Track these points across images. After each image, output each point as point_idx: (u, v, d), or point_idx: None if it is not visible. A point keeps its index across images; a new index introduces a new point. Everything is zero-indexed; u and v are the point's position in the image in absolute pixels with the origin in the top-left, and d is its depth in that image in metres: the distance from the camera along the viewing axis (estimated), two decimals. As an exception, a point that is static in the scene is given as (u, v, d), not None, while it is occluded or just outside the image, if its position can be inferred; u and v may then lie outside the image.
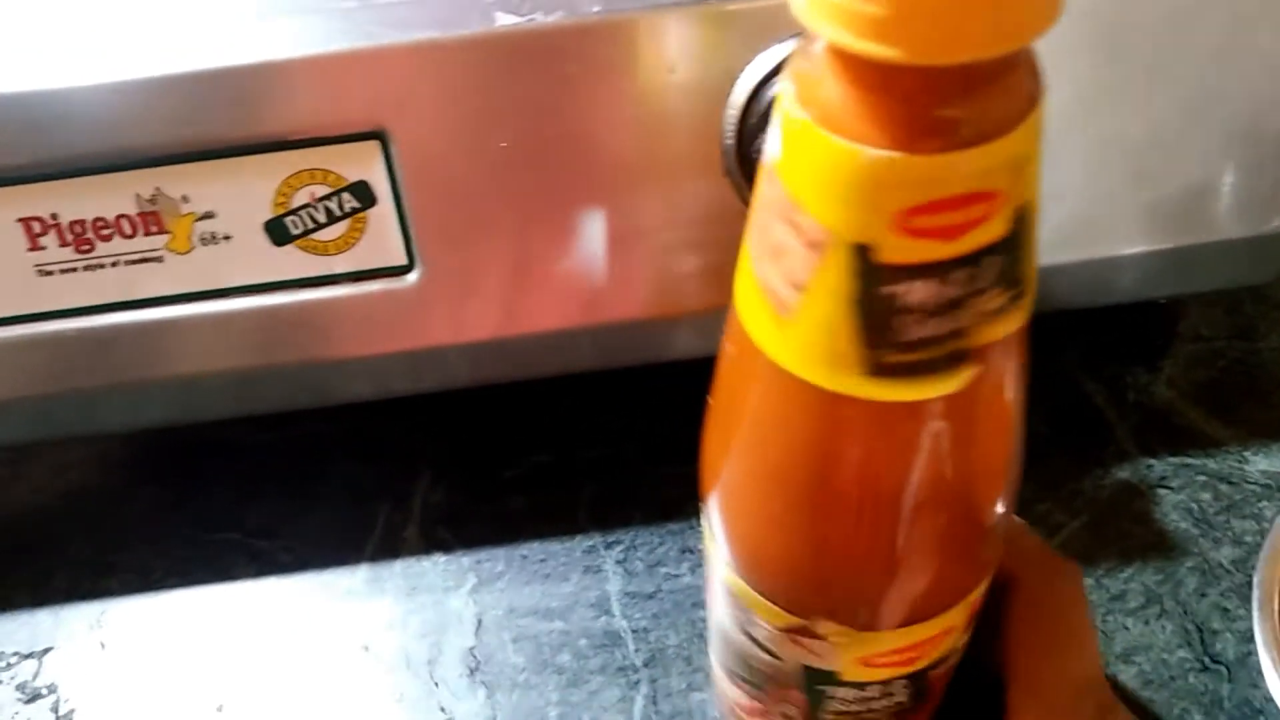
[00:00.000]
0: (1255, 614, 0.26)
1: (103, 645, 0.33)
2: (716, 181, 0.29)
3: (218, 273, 0.29)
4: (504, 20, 0.27)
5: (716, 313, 0.32)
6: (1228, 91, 0.30)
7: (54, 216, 0.28)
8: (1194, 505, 0.32)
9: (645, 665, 0.31)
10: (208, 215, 0.29)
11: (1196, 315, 0.37)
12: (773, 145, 0.16)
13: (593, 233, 0.30)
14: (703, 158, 0.29)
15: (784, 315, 0.16)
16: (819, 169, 0.14)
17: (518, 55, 0.28)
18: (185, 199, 0.28)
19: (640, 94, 0.28)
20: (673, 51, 0.28)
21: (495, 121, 0.28)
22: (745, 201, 0.29)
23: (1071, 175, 0.31)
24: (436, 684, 0.31)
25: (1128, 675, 0.29)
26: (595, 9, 0.27)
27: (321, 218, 0.29)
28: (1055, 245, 0.31)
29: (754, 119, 0.27)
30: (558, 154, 0.29)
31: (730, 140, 0.28)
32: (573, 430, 0.36)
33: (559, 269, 0.30)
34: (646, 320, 0.32)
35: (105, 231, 0.29)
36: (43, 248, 0.29)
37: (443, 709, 0.30)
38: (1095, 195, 0.31)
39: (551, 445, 0.36)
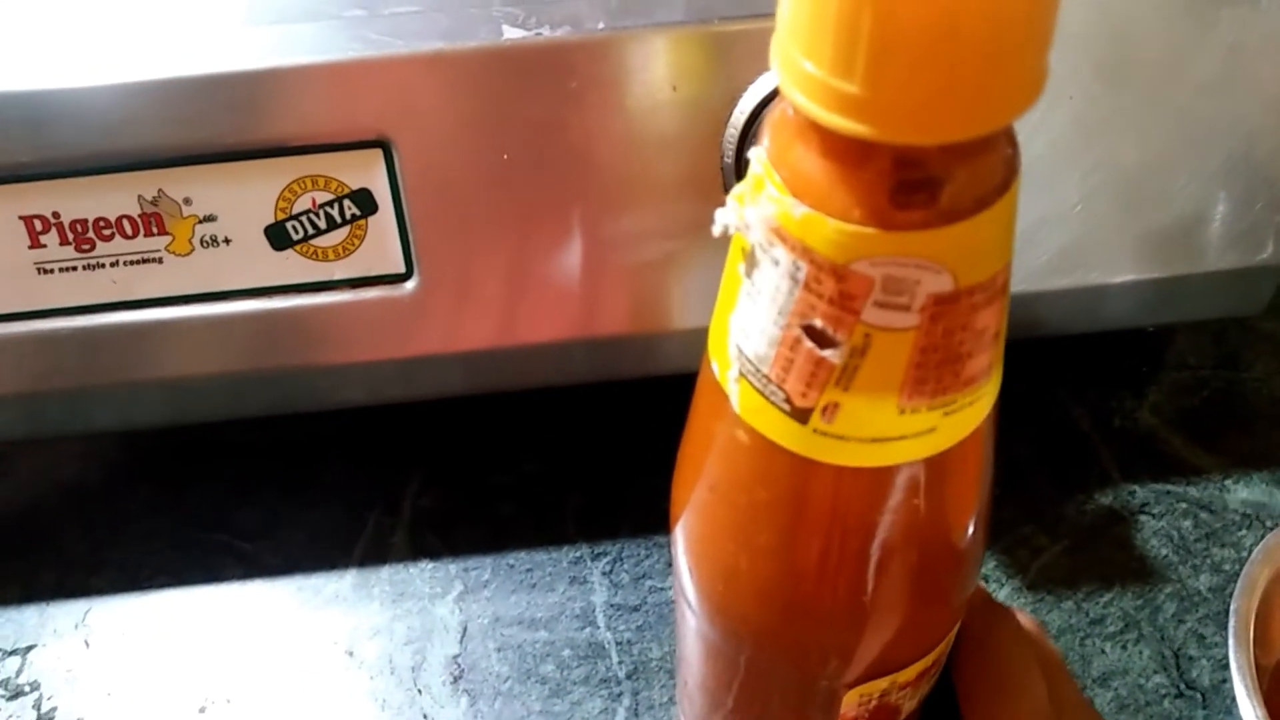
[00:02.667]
0: (1231, 643, 0.27)
1: (87, 644, 0.33)
2: (715, 200, 0.29)
3: (217, 275, 0.30)
4: (510, 34, 0.28)
5: (707, 331, 0.32)
6: (1221, 124, 0.31)
7: (55, 215, 0.28)
8: (1174, 532, 0.33)
9: (628, 677, 0.31)
10: (209, 218, 0.29)
11: (1183, 344, 0.37)
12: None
13: (590, 247, 0.30)
14: (702, 176, 0.29)
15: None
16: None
17: (523, 69, 0.28)
18: (188, 201, 0.29)
19: (642, 111, 0.29)
20: (675, 70, 0.28)
21: (498, 134, 0.28)
22: (742, 221, 0.29)
23: (1064, 203, 0.31)
24: (420, 691, 0.31)
25: (1104, 699, 0.30)
26: (600, 25, 0.28)
27: (322, 224, 0.29)
28: (1046, 272, 0.32)
29: (754, 139, 0.28)
30: (558, 168, 0.29)
31: (730, 159, 0.28)
32: (563, 440, 0.37)
33: (555, 282, 0.30)
34: (640, 335, 0.32)
35: (106, 231, 0.29)
36: (43, 246, 0.29)
37: (425, 716, 0.30)
38: (1087, 223, 0.31)
39: (542, 454, 0.36)
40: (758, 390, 0.16)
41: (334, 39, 0.28)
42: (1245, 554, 0.32)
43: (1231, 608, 0.27)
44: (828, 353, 0.15)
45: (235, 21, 0.28)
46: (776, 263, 0.15)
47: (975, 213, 0.14)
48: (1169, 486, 0.34)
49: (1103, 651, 0.31)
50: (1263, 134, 0.31)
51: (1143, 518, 0.33)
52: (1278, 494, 0.34)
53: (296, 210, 0.29)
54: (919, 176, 0.13)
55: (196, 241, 0.29)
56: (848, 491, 0.17)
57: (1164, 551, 0.32)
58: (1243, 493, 0.34)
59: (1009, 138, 0.14)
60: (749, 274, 0.16)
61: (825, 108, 0.13)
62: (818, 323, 0.15)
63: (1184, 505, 0.33)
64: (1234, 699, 0.27)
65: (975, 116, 0.13)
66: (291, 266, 0.30)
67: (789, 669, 0.21)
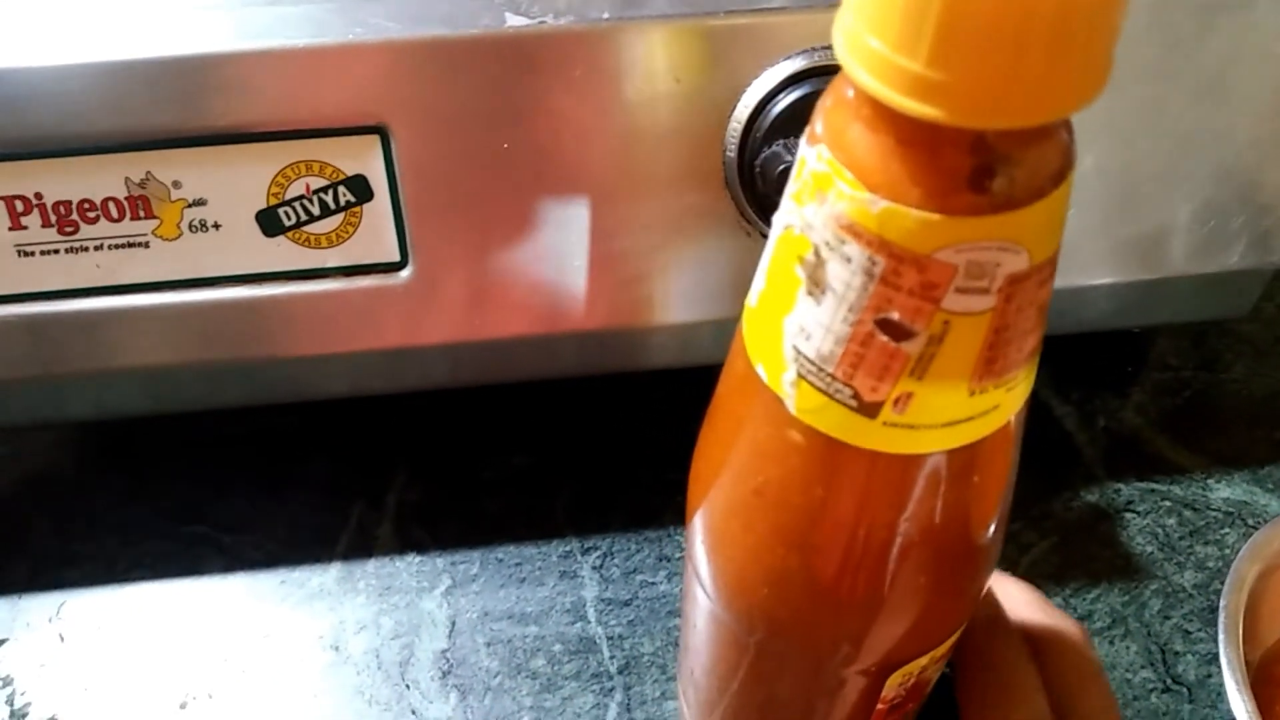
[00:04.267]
0: (1221, 639, 0.27)
1: (62, 638, 0.32)
2: (715, 194, 0.29)
3: (205, 261, 0.29)
4: (513, 21, 0.27)
5: (700, 326, 0.32)
6: (1212, 131, 0.31)
7: (38, 196, 0.28)
8: (1159, 530, 0.33)
9: (620, 672, 0.31)
10: (199, 202, 0.28)
11: (1164, 346, 0.38)
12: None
13: (588, 239, 0.30)
14: (703, 169, 0.29)
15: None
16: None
17: (524, 57, 0.28)
18: (177, 184, 0.28)
19: (644, 102, 0.28)
20: (679, 62, 0.28)
21: (498, 123, 0.28)
22: (744, 215, 0.29)
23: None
24: (408, 686, 0.31)
25: (1093, 694, 0.30)
26: (604, 15, 0.28)
27: (316, 210, 0.28)
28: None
29: (758, 133, 0.28)
30: (558, 158, 0.29)
31: (732, 153, 0.28)
32: (553, 433, 0.36)
33: (551, 274, 0.30)
34: (634, 328, 0.32)
35: (91, 214, 0.28)
36: (24, 228, 0.28)
37: (414, 712, 0.30)
38: (1076, 226, 0.32)
39: (531, 447, 0.36)
40: (820, 390, 0.16)
41: (332, 22, 0.28)
42: (1228, 551, 0.33)
43: (1220, 604, 0.28)
44: (904, 344, 0.15)
45: (232, 1, 0.28)
46: (849, 260, 0.15)
47: (1049, 192, 0.14)
48: (1153, 485, 0.34)
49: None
50: (1252, 142, 0.32)
51: (1128, 515, 0.34)
52: (1258, 493, 0.34)
53: (289, 196, 0.28)
54: (994, 161, 0.13)
55: (185, 226, 0.28)
56: (911, 480, 0.17)
57: (1149, 549, 0.33)
58: (1225, 491, 0.34)
59: (1067, 120, 0.15)
60: (811, 274, 0.15)
61: (896, 89, 0.13)
62: (895, 315, 0.15)
63: (1168, 503, 0.34)
64: (1220, 693, 0.27)
65: (1047, 102, 0.13)
66: (283, 253, 0.29)
67: (829, 662, 0.21)
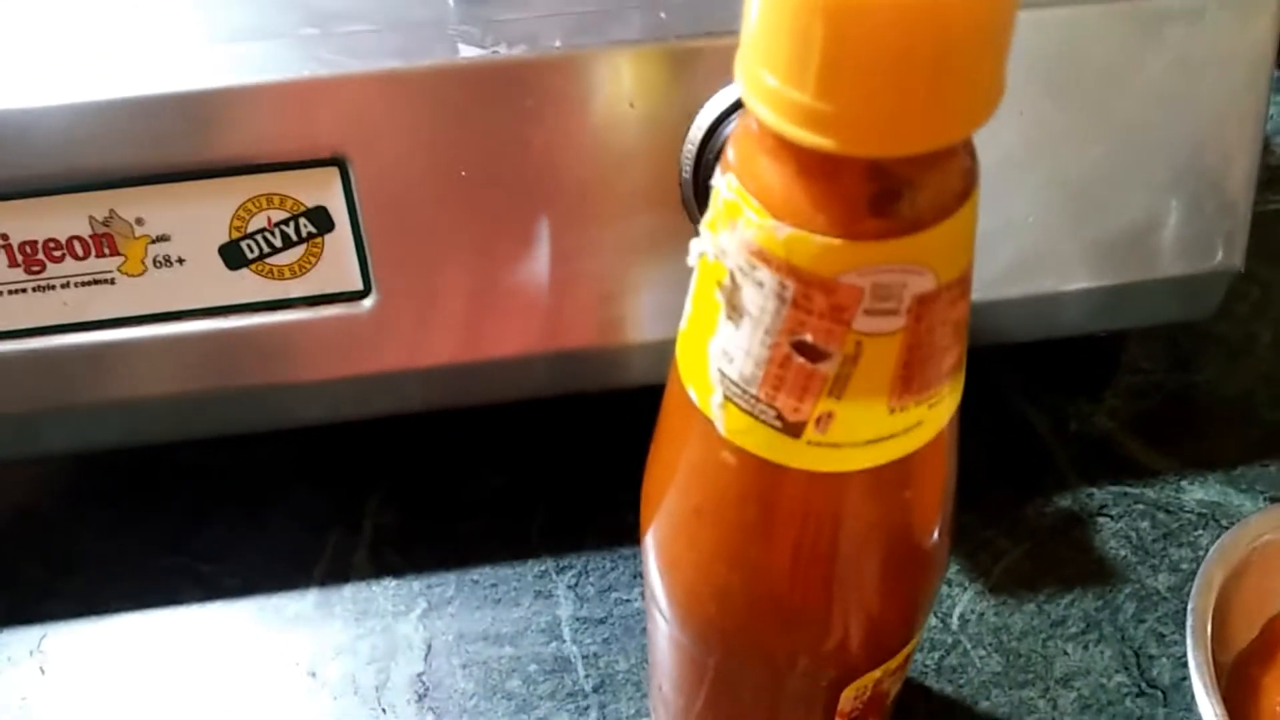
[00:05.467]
0: (1189, 642, 0.27)
1: (42, 670, 0.32)
2: (675, 214, 0.29)
3: (171, 296, 0.29)
4: (466, 52, 0.28)
5: (673, 343, 0.32)
6: (1168, 135, 0.31)
7: (4, 237, 0.28)
8: (1132, 533, 0.33)
9: (595, 690, 0.31)
10: (162, 238, 0.28)
11: (1136, 348, 0.38)
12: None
13: (549, 262, 0.30)
14: (661, 191, 0.29)
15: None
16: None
17: (480, 87, 0.28)
18: (140, 221, 0.28)
19: (600, 127, 0.29)
20: (632, 87, 0.28)
21: (455, 151, 0.28)
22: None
23: (1017, 213, 0.31)
24: (384, 710, 0.31)
25: (1067, 700, 0.30)
26: (556, 44, 0.28)
27: (278, 242, 0.29)
28: (1001, 281, 0.32)
29: (711, 154, 0.28)
30: (517, 184, 0.29)
31: (688, 174, 0.28)
32: (527, 454, 0.36)
33: (515, 297, 0.30)
34: (601, 349, 0.32)
35: (57, 253, 0.28)
36: (-9, 268, 0.28)
37: (392, 735, 0.30)
38: (1040, 234, 0.32)
39: (505, 468, 0.36)
40: (746, 411, 0.16)
41: (288, 58, 0.28)
42: (1202, 553, 0.33)
43: (1189, 607, 0.28)
44: (820, 365, 0.15)
45: (187, 40, 0.28)
46: (760, 285, 0.15)
47: (951, 213, 0.14)
48: (1126, 488, 0.34)
49: (1065, 652, 0.31)
50: (1208, 144, 0.32)
51: (1101, 519, 0.34)
52: (1232, 494, 0.34)
53: (251, 229, 0.29)
54: (894, 185, 0.14)
55: (149, 262, 0.29)
56: (841, 497, 0.17)
57: (1123, 552, 0.33)
58: (1198, 493, 0.34)
59: (967, 141, 0.15)
60: (729, 299, 0.16)
61: (790, 121, 0.13)
62: (808, 337, 0.15)
63: (1141, 506, 0.34)
64: (1194, 697, 0.27)
65: (935, 129, 0.13)
66: (247, 286, 0.29)
67: (782, 677, 0.21)
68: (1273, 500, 0.34)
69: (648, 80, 0.28)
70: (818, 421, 0.16)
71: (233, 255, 0.29)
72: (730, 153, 0.15)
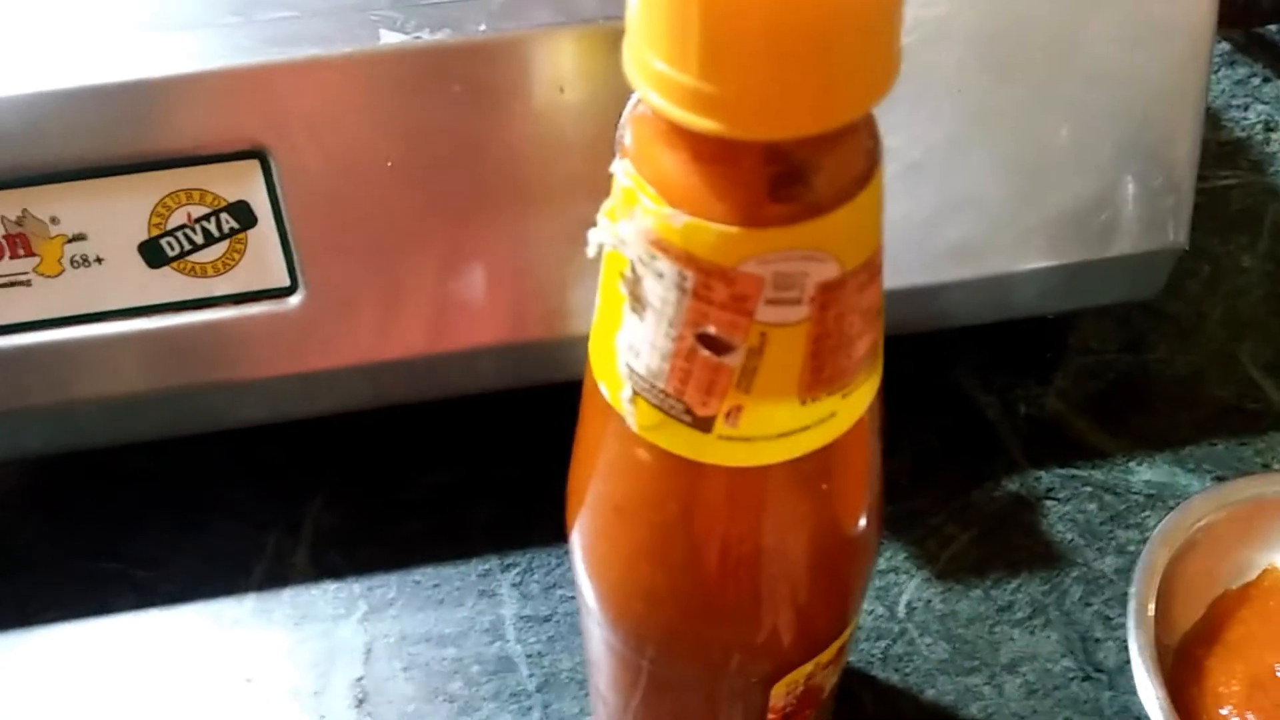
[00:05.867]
0: (1130, 626, 0.27)
1: (-27, 683, 0.31)
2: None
3: (91, 297, 0.28)
4: (388, 38, 0.27)
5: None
6: (1111, 112, 0.31)
7: (-89, 239, 0.27)
8: (1080, 516, 0.33)
9: (538, 690, 0.30)
10: (79, 237, 0.28)
11: (1087, 328, 0.38)
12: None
13: (483, 253, 0.29)
14: (596, 178, 0.28)
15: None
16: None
17: (402, 74, 0.27)
18: (54, 220, 0.27)
19: (529, 113, 0.28)
20: (561, 71, 0.28)
21: (381, 141, 0.28)
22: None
23: (964, 194, 0.31)
24: (322, 716, 0.30)
25: (1013, 685, 0.30)
26: (480, 28, 0.27)
27: (199, 239, 0.28)
28: (949, 262, 0.32)
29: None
30: (445, 174, 0.28)
31: (618, 161, 0.28)
32: (470, 450, 0.36)
33: (448, 290, 0.30)
34: (543, 341, 0.31)
35: (-33, 254, 0.27)
36: (-101, 271, 0.27)
37: (332, 741, 0.30)
38: (986, 214, 0.32)
39: (447, 465, 0.35)
40: (655, 406, 0.16)
41: (206, 47, 0.27)
42: (1149, 534, 0.32)
43: (1130, 591, 0.28)
44: (726, 358, 0.15)
45: (102, 30, 0.27)
46: (661, 275, 0.14)
47: (852, 196, 0.14)
48: (1074, 471, 0.34)
49: (1011, 638, 0.31)
50: (1152, 120, 0.31)
51: (1049, 503, 0.33)
52: (1179, 473, 0.34)
53: (171, 226, 0.28)
54: (791, 169, 0.13)
55: (66, 262, 0.28)
56: (760, 491, 0.17)
57: (1070, 536, 0.33)
58: (1146, 474, 0.34)
59: (867, 120, 0.14)
60: (631, 291, 0.15)
61: (677, 105, 0.13)
62: (712, 329, 0.14)
63: (1089, 489, 0.34)
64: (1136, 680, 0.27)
65: (827, 108, 0.12)
66: (169, 284, 0.28)
67: (713, 675, 0.21)
68: (1220, 480, 0.34)
69: (576, 64, 0.28)
70: (727, 415, 0.15)
71: (153, 253, 0.28)
72: (626, 138, 0.15)
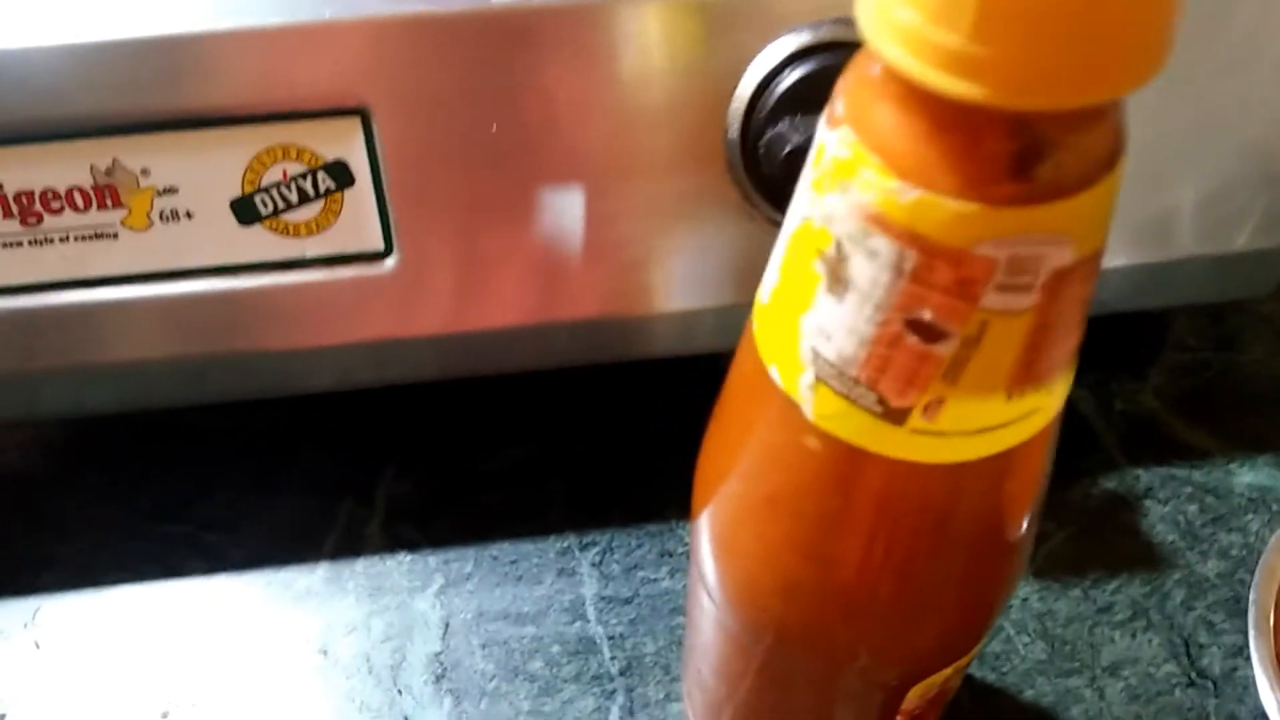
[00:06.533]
0: (1251, 635, 0.26)
1: (38, 645, 0.30)
2: (716, 178, 0.27)
3: (178, 252, 0.27)
4: (498, -5, 0.26)
5: (702, 313, 0.31)
6: (1239, 105, 0.30)
7: (-2, 186, 0.26)
8: (1180, 517, 0.32)
9: (621, 674, 0.30)
10: (169, 190, 0.27)
11: (1183, 325, 0.37)
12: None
13: (580, 224, 0.28)
14: (703, 151, 0.27)
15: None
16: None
17: (512, 34, 0.26)
18: (145, 172, 0.26)
19: (640, 80, 0.27)
20: (675, 38, 0.26)
21: (485, 104, 0.26)
22: (747, 198, 0.28)
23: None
24: (400, 691, 0.29)
25: (1114, 689, 0.29)
26: (596, -13, 0.26)
27: (294, 197, 0.27)
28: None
29: (762, 112, 0.26)
30: (549, 141, 0.27)
31: (735, 134, 0.27)
32: (549, 425, 0.35)
33: (543, 261, 0.29)
34: (631, 317, 0.30)
35: (55, 204, 0.26)
36: (-15, 219, 0.26)
37: (406, 718, 0.29)
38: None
39: (526, 439, 0.35)
40: (841, 395, 0.15)
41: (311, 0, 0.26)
42: (1252, 538, 0.31)
43: (1250, 598, 0.27)
44: (936, 346, 0.14)
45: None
46: (874, 254, 0.13)
47: (1099, 179, 0.13)
48: (1173, 470, 0.33)
49: (1112, 640, 0.30)
50: (1277, 118, 0.30)
51: (1148, 502, 0.32)
52: (1281, 477, 0.33)
53: (265, 183, 0.27)
54: (1040, 145, 0.12)
55: (155, 215, 0.27)
56: (941, 489, 0.16)
57: (1170, 537, 0.32)
58: (1247, 476, 0.33)
59: (1120, 101, 0.13)
60: (832, 270, 0.14)
61: (932, 65, 0.11)
62: (926, 315, 0.13)
63: (1189, 489, 0.33)
64: (1246, 686, 0.26)
65: (1103, 79, 0.11)
66: (260, 243, 0.27)
67: (842, 672, 0.20)
68: (1324, 485, 0.33)
69: (693, 30, 0.26)
70: (925, 408, 0.14)
71: (245, 210, 0.27)
72: (840, 104, 0.14)
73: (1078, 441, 0.34)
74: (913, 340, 0.14)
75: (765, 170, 0.26)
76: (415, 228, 0.28)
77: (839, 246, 0.14)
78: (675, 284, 0.30)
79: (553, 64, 0.26)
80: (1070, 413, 0.35)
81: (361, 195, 0.27)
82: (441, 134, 0.27)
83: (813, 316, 0.15)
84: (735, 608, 0.20)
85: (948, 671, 0.20)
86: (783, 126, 0.25)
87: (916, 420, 0.15)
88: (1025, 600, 0.30)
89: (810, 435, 0.16)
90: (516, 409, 0.35)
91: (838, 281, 0.14)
